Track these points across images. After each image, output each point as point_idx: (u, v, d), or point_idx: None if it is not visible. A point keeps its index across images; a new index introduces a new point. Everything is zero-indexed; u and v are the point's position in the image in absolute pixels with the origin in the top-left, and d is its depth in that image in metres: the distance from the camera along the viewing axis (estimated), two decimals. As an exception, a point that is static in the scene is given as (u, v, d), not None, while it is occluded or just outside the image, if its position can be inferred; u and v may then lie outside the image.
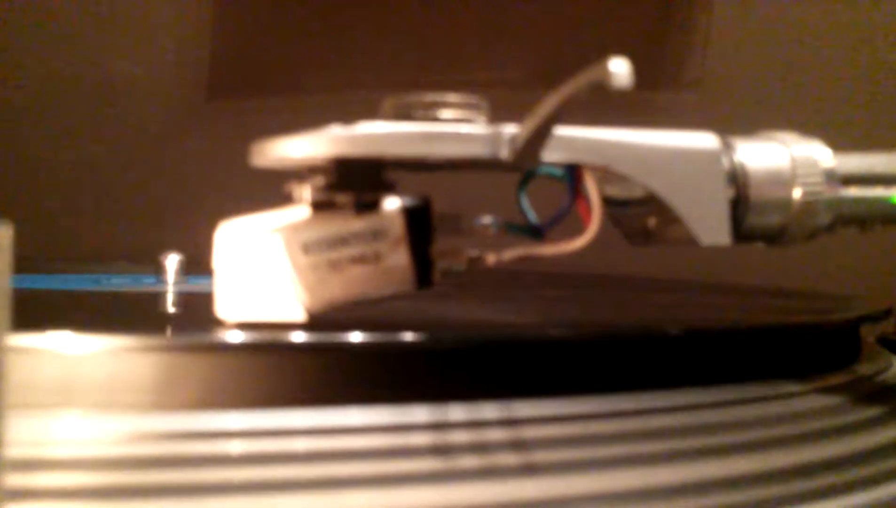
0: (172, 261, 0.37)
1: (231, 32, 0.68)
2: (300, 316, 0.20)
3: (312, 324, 0.20)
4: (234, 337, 0.19)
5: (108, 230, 0.69)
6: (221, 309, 0.20)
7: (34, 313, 0.24)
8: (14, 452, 0.14)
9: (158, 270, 0.37)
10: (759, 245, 0.23)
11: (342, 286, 0.20)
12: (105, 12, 0.71)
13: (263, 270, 0.20)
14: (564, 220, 0.21)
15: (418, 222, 0.20)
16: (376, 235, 0.20)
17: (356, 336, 0.19)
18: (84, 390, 0.18)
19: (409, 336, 0.19)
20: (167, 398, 0.18)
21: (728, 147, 0.22)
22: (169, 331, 0.21)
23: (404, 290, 0.20)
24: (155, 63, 0.71)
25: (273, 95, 0.62)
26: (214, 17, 0.69)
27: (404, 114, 0.19)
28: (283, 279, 0.20)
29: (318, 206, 0.20)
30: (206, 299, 0.22)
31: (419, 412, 0.19)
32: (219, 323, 0.20)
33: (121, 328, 0.19)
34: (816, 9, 0.51)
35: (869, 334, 0.32)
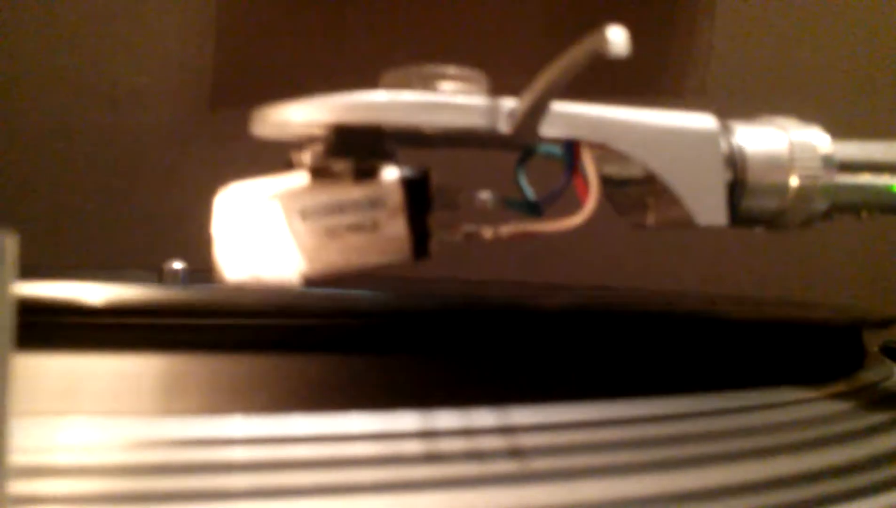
0: (176, 268, 0.37)
1: (235, 40, 0.69)
2: (297, 281, 0.20)
3: (319, 329, 0.20)
4: (237, 342, 0.19)
5: (111, 238, 0.69)
6: (223, 270, 0.20)
7: (38, 320, 0.24)
8: (18, 458, 0.14)
9: (162, 277, 0.37)
10: (758, 229, 0.23)
11: (339, 254, 0.20)
12: (110, 20, 0.72)
13: (262, 235, 0.20)
14: (562, 197, 0.21)
15: (417, 192, 0.20)
16: (374, 204, 0.20)
17: (360, 342, 0.19)
18: (88, 396, 0.18)
19: (410, 342, 0.19)
20: (171, 404, 0.18)
21: (727, 130, 0.22)
22: (172, 338, 0.21)
23: (401, 260, 0.20)
24: (159, 71, 0.71)
25: (276, 103, 0.62)
26: (218, 25, 0.69)
27: (404, 84, 0.20)
28: (282, 245, 0.20)
29: (317, 173, 0.20)
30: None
31: (420, 419, 0.19)
32: (222, 329, 0.20)
33: (124, 336, 0.19)
34: (819, 16, 0.52)
35: (872, 343, 0.32)
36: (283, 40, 0.66)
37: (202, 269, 0.32)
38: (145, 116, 0.71)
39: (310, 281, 0.20)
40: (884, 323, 0.30)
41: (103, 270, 0.49)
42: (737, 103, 0.52)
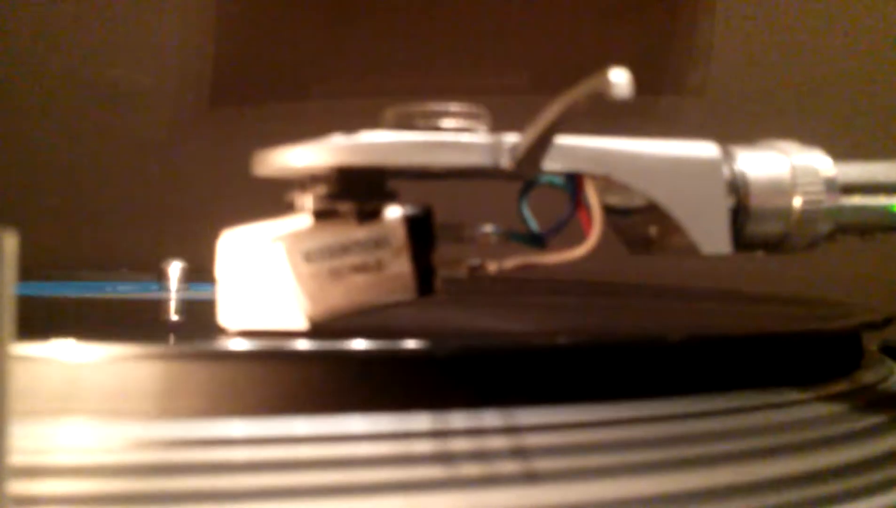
0: (175, 268, 0.37)
1: (234, 39, 0.68)
2: (302, 324, 0.20)
3: (315, 332, 0.20)
4: (237, 345, 0.19)
5: (110, 237, 0.69)
6: (224, 317, 0.20)
7: (37, 320, 0.24)
8: (17, 459, 0.14)
9: (161, 277, 0.37)
10: (760, 254, 0.23)
11: (344, 294, 0.20)
12: (109, 19, 0.71)
13: (265, 278, 0.20)
14: (566, 228, 0.21)
15: (420, 230, 0.20)
16: (378, 243, 0.20)
17: (360, 344, 0.19)
18: (87, 397, 0.18)
19: (412, 344, 0.19)
20: (170, 406, 0.18)
21: (728, 156, 0.22)
22: (172, 339, 0.22)
23: (406, 298, 0.20)
24: (159, 70, 0.71)
25: (276, 102, 0.62)
26: (218, 24, 0.69)
27: (406, 123, 0.20)
28: (285, 288, 0.20)
29: (320, 214, 0.20)
30: (208, 306, 0.22)
31: (422, 420, 0.19)
32: (221, 331, 0.20)
33: (124, 336, 0.19)
34: (819, 16, 0.51)
35: (871, 342, 0.32)
36: (283, 39, 0.66)
37: (201, 268, 0.32)
38: (145, 114, 0.71)
39: (315, 324, 0.20)
40: (884, 323, 0.30)
41: (102, 269, 0.49)
42: (737, 103, 0.52)
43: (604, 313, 0.35)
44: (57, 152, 0.72)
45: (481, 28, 0.58)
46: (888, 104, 0.48)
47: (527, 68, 0.54)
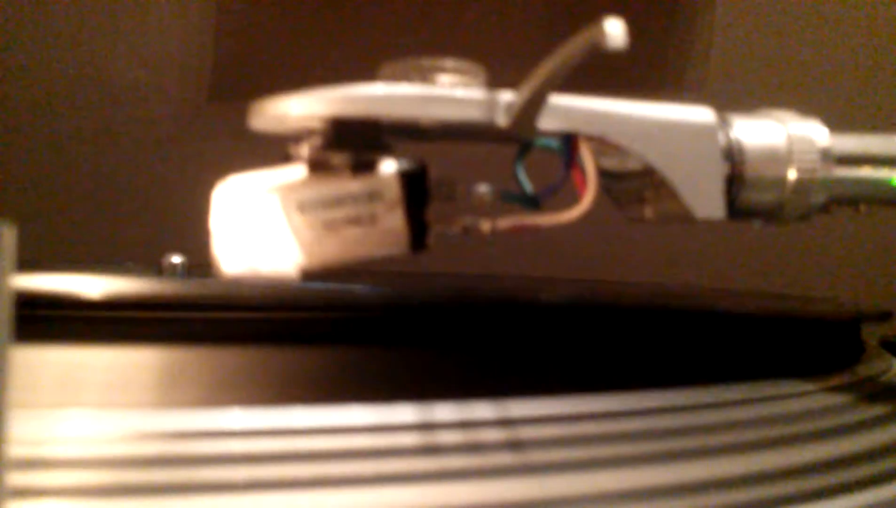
0: (175, 262, 0.37)
1: (234, 35, 0.69)
2: (296, 273, 0.20)
3: (319, 322, 0.20)
4: (237, 335, 0.19)
5: (110, 232, 0.69)
6: (220, 264, 0.20)
7: (37, 312, 0.24)
8: (17, 450, 0.14)
9: (161, 271, 0.37)
10: (756, 223, 0.23)
11: (337, 247, 0.20)
12: (108, 15, 0.72)
13: (260, 228, 0.20)
14: (561, 190, 0.21)
15: (415, 185, 0.20)
16: (372, 197, 0.20)
17: (361, 333, 0.19)
18: (87, 388, 0.18)
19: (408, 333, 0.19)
20: (169, 397, 0.18)
21: (725, 123, 0.22)
22: (170, 330, 0.21)
23: (399, 253, 0.20)
24: (158, 65, 0.71)
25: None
26: (217, 20, 0.69)
27: (402, 77, 0.20)
28: (280, 237, 0.20)
29: (315, 166, 0.20)
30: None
31: (417, 411, 0.19)
32: (223, 322, 0.20)
33: (123, 327, 0.19)
34: (819, 10, 0.52)
35: (871, 337, 0.32)
36: (282, 34, 0.66)
37: (201, 263, 0.32)
38: (145, 110, 0.71)
39: (307, 274, 0.20)
40: (882, 316, 0.30)
41: (102, 264, 0.49)
42: (736, 98, 0.52)
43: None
44: (58, 148, 0.72)
45: (480, 23, 0.59)
46: (888, 100, 0.48)
47: (526, 63, 0.54)
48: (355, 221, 0.20)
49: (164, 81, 0.71)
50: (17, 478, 0.15)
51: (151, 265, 0.39)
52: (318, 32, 0.64)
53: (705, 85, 0.52)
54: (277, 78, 0.64)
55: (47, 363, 0.18)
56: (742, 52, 0.52)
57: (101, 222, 0.70)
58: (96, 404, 0.18)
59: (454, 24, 0.59)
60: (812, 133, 0.23)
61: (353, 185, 0.20)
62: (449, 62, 0.20)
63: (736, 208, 0.22)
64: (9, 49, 0.73)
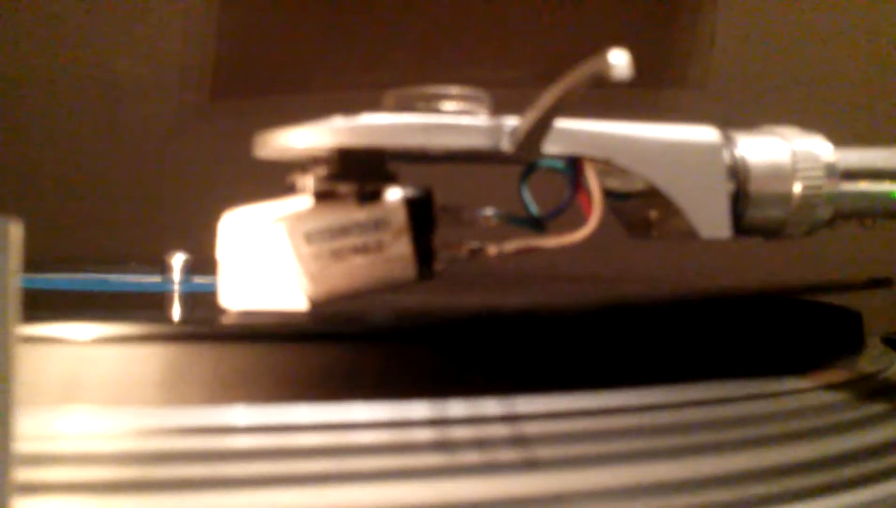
0: (178, 261, 0.37)
1: (235, 33, 0.68)
2: (303, 305, 0.20)
3: (320, 318, 0.20)
4: (241, 331, 0.19)
5: (112, 231, 0.69)
6: (225, 298, 0.20)
7: (42, 311, 0.24)
8: (23, 447, 0.14)
9: (164, 269, 0.37)
10: (759, 239, 0.23)
11: (344, 276, 0.20)
12: (110, 12, 0.71)
13: (267, 259, 0.20)
14: (566, 212, 0.21)
15: (420, 212, 0.20)
16: (378, 225, 0.20)
17: (363, 331, 0.19)
18: (92, 385, 0.18)
19: (411, 331, 0.19)
20: (174, 393, 0.18)
21: (729, 141, 0.22)
22: (175, 327, 0.22)
23: (406, 280, 0.20)
24: (160, 63, 0.71)
25: (278, 95, 0.62)
26: (219, 18, 0.69)
27: (406, 106, 0.20)
28: (286, 269, 0.20)
29: (321, 196, 0.20)
30: (212, 297, 0.22)
31: (423, 408, 0.19)
32: (225, 317, 0.20)
33: (128, 324, 0.19)
34: (821, 7, 0.51)
35: (872, 335, 0.32)
36: (284, 33, 0.66)
37: (204, 260, 0.32)
38: (147, 107, 0.71)
39: (315, 305, 0.20)
40: (881, 282, 0.30)
41: (105, 264, 0.49)
42: (739, 96, 0.52)
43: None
44: (59, 145, 0.72)
45: (482, 20, 0.58)
46: (890, 94, 0.48)
47: (528, 61, 0.54)
48: (362, 249, 0.20)
49: (165, 78, 0.70)
50: (22, 474, 0.15)
51: (155, 264, 0.39)
52: (320, 31, 0.64)
53: (708, 83, 0.52)
54: (279, 77, 0.64)
55: (53, 360, 0.18)
56: (745, 47, 0.52)
57: (103, 220, 0.70)
58: (101, 400, 0.18)
59: (455, 21, 0.59)
60: (816, 148, 0.23)
61: (359, 214, 0.20)
62: (453, 89, 0.20)
63: (741, 226, 0.22)
64: (8, 46, 0.73)
